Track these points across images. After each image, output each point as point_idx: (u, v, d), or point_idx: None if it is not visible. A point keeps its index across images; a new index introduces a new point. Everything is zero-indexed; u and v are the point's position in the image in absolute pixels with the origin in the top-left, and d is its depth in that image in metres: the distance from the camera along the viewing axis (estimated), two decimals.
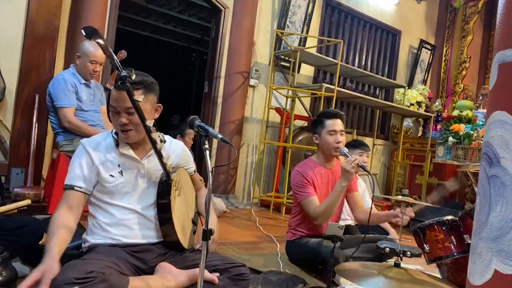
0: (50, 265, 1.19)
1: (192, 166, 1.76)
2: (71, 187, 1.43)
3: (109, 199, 1.48)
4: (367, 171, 2.09)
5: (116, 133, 1.52)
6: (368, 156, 2.92)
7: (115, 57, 1.29)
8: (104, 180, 1.47)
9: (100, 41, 1.25)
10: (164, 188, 1.50)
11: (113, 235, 1.46)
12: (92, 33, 1.23)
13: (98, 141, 1.52)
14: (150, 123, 1.43)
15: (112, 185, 1.47)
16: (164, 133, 1.68)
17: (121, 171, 1.49)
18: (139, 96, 1.39)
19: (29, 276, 1.15)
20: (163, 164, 1.49)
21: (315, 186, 2.24)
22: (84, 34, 1.23)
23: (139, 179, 1.51)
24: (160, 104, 1.55)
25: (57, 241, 1.29)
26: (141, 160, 1.52)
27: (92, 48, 2.75)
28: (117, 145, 1.51)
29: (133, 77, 1.30)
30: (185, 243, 1.55)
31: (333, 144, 2.22)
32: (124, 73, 1.27)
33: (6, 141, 3.13)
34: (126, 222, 1.48)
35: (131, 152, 1.51)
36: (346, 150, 2.16)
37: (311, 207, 2.16)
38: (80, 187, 1.44)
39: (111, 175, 1.47)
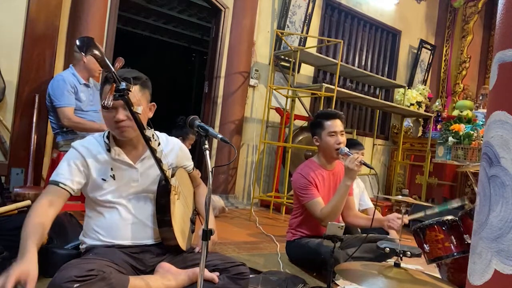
0: (31, 270, 1.12)
1: (191, 164, 1.74)
2: (56, 183, 1.39)
3: (102, 202, 1.47)
4: (370, 167, 2.10)
5: (107, 137, 1.48)
6: (363, 154, 2.92)
7: (113, 69, 1.22)
8: (96, 183, 1.45)
9: (97, 52, 1.18)
10: (163, 193, 1.48)
11: (106, 238, 1.45)
12: (88, 46, 1.16)
13: (90, 144, 1.47)
14: (149, 133, 1.41)
15: (104, 189, 1.46)
16: (168, 133, 1.67)
17: (113, 175, 1.46)
18: (138, 107, 1.36)
19: (8, 278, 1.06)
20: (163, 171, 1.46)
21: (318, 188, 2.24)
22: (78, 44, 1.16)
23: (132, 183, 1.49)
24: (154, 103, 1.53)
25: (36, 240, 1.23)
26: (135, 164, 1.49)
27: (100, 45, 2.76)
28: (108, 150, 1.46)
29: (132, 89, 1.25)
30: (184, 246, 1.55)
31: (334, 145, 2.21)
32: (123, 85, 1.21)
33: (6, 141, 3.13)
34: (118, 225, 1.47)
35: (123, 157, 1.47)
36: (346, 149, 2.16)
37: (317, 209, 2.15)
38: (65, 185, 1.39)
39: (103, 179, 1.45)
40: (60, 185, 1.39)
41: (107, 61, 1.21)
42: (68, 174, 1.41)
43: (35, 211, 1.32)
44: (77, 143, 1.47)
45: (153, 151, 1.41)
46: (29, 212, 1.32)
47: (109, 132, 1.49)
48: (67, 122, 2.68)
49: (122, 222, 1.47)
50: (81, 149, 1.44)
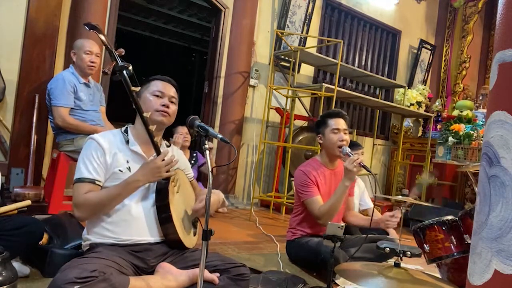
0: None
1: (191, 172, 1.81)
2: (92, 181, 1.46)
3: None
4: (369, 171, 2.11)
5: (125, 131, 1.57)
6: (362, 154, 2.93)
7: (112, 48, 1.39)
8: (113, 173, 1.50)
9: (101, 35, 1.35)
10: (162, 185, 1.52)
11: (114, 233, 1.46)
12: (94, 27, 1.35)
13: (108, 136, 1.55)
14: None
15: (120, 179, 1.49)
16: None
17: (129, 167, 1.52)
18: (136, 88, 1.45)
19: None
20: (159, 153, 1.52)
21: (319, 186, 2.25)
22: (86, 27, 1.36)
23: None
24: None
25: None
26: (148, 158, 1.54)
27: (85, 41, 2.81)
28: (127, 141, 1.55)
29: (130, 67, 1.39)
30: (186, 241, 1.55)
31: (337, 142, 2.24)
32: (121, 63, 1.37)
33: (6, 141, 3.13)
34: (128, 219, 1.48)
35: (139, 150, 1.55)
36: (348, 150, 2.17)
37: (315, 207, 2.17)
38: (100, 181, 1.47)
39: (120, 170, 1.50)
40: (96, 182, 1.47)
41: (104, 38, 1.36)
42: (98, 168, 1.48)
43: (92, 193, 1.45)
44: (95, 135, 1.53)
45: (150, 134, 1.47)
46: (89, 198, 1.43)
47: (127, 127, 1.59)
48: (61, 122, 2.67)
49: (130, 217, 1.48)
50: (100, 139, 1.51)
